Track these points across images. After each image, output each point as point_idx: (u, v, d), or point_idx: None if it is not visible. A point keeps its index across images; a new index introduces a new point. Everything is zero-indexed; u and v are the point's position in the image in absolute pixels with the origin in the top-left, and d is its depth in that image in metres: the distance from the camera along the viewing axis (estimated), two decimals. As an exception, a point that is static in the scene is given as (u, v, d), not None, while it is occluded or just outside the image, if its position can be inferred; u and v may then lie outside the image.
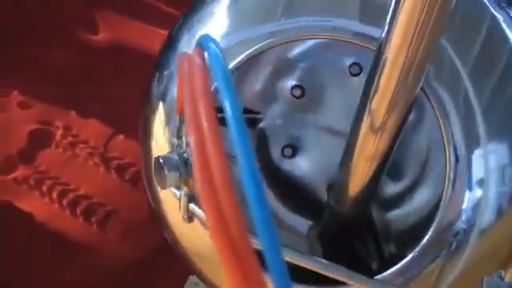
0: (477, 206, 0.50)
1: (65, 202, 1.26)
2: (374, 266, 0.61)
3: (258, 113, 0.64)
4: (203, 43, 0.32)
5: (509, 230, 0.53)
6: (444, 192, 0.49)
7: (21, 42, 1.50)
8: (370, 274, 0.58)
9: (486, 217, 0.51)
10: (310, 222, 0.61)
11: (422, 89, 0.49)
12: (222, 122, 0.38)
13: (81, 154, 1.34)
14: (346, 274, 0.50)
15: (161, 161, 0.50)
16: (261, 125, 0.64)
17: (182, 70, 0.33)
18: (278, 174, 0.65)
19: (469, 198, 0.49)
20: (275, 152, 0.65)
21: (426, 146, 0.56)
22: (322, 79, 0.62)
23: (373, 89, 0.42)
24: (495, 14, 0.53)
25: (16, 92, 1.41)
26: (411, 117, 0.59)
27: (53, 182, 1.29)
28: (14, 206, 1.24)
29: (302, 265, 0.52)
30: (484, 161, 0.49)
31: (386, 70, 0.41)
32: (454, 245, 0.50)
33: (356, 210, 0.54)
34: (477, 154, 0.49)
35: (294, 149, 0.65)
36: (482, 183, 0.49)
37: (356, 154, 0.47)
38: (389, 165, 0.63)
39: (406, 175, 0.61)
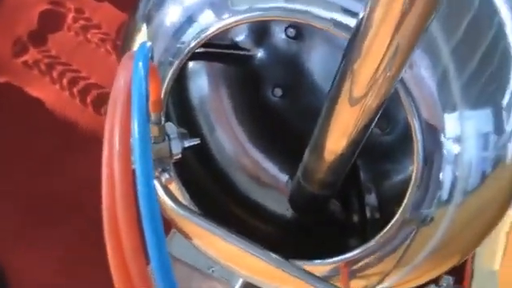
0: (455, 173, 0.48)
1: (75, 90, 1.26)
2: (355, 219, 0.60)
3: (247, 50, 0.60)
4: (134, 57, 0.29)
5: (493, 193, 0.51)
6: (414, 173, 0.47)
7: None
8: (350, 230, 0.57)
9: (470, 181, 0.49)
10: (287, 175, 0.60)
11: None
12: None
13: (92, 40, 1.31)
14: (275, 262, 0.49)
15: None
16: (253, 62, 0.61)
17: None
18: (264, 114, 0.63)
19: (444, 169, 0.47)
20: (265, 91, 0.62)
21: None
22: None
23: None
24: None
25: (27, -32, 1.36)
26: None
27: (64, 68, 1.28)
28: (23, 91, 1.24)
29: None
30: (460, 123, 0.47)
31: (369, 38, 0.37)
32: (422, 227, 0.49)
33: (324, 190, 0.52)
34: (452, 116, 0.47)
35: (284, 90, 0.62)
36: (458, 141, 0.47)
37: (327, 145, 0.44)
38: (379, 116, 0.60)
39: (397, 128, 0.58)
